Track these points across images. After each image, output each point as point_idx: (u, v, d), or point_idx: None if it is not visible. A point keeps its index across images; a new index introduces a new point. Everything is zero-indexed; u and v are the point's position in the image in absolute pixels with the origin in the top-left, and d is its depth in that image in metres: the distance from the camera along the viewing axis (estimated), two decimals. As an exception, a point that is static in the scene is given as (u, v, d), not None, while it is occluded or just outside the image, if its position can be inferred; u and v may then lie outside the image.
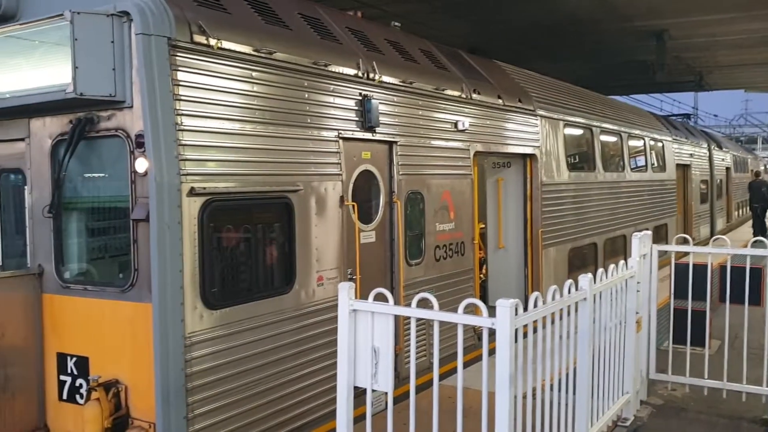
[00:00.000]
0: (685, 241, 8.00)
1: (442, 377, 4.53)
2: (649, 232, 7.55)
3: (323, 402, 6.99)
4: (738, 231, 26.04)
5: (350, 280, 7.47)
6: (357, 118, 7.72)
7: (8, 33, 6.06)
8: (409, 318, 4.58)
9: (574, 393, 5.57)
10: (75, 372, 6.21)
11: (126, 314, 5.87)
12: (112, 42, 5.66)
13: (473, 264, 9.97)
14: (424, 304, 4.45)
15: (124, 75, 5.70)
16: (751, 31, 19.63)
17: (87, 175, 6.37)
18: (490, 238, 12.10)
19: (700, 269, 7.48)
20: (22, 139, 6.52)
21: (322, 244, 7.18)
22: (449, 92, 9.41)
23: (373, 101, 7.84)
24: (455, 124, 9.51)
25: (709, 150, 24.87)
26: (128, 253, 5.86)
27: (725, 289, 7.38)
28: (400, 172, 8.39)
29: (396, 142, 8.34)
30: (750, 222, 25.51)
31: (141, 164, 5.65)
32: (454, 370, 4.73)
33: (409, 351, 7.82)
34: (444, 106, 9.34)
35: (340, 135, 7.46)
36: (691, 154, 21.90)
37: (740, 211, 32.14)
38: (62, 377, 6.30)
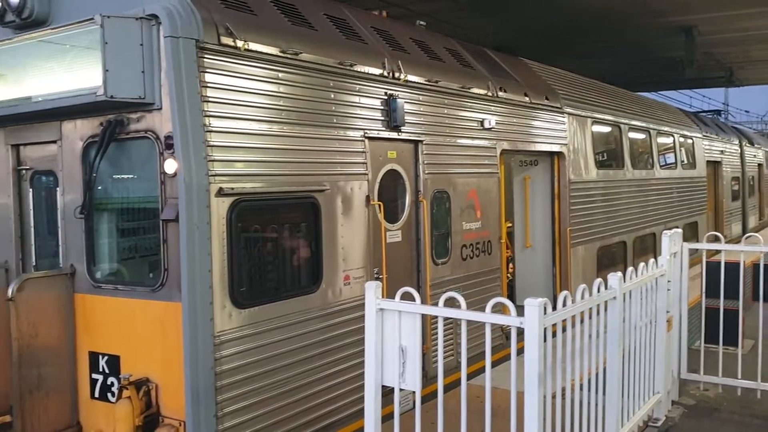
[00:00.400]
0: (716, 239, 7.87)
1: (469, 377, 4.51)
2: (680, 230, 7.45)
3: (350, 401, 7.00)
4: (771, 228, 25.56)
5: (377, 279, 7.47)
6: (382, 118, 7.73)
7: (40, 38, 6.16)
8: (435, 317, 4.56)
9: (603, 393, 5.52)
10: (106, 370, 6.30)
11: (156, 313, 5.95)
12: (141, 45, 5.73)
13: (500, 263, 9.91)
14: (451, 303, 4.44)
15: (153, 77, 5.77)
16: (784, 25, 19.25)
17: (117, 176, 6.46)
18: (517, 237, 12.01)
19: (732, 267, 7.37)
20: (54, 142, 6.64)
21: (349, 244, 7.20)
22: (475, 90, 9.37)
23: (398, 100, 7.84)
24: (481, 123, 9.47)
25: (741, 146, 24.44)
26: (158, 253, 5.93)
27: (758, 288, 7.26)
28: (426, 171, 8.38)
29: (422, 141, 8.33)
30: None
31: (170, 165, 5.71)
32: (481, 370, 4.71)
33: (436, 350, 7.81)
34: (470, 104, 9.30)
35: (366, 135, 7.47)
36: (721, 151, 21.54)
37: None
38: (94, 376, 6.40)
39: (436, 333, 4.55)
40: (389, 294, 6.44)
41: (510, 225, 11.91)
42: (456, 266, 8.94)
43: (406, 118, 7.97)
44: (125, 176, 6.49)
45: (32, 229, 7.06)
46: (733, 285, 7.31)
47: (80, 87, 5.84)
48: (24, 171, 7.07)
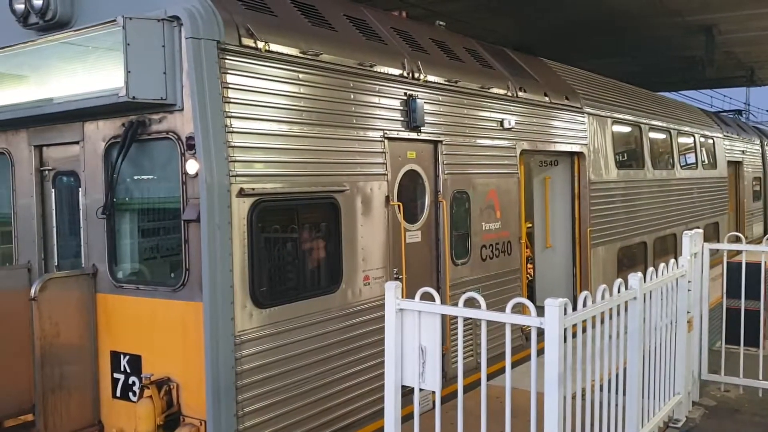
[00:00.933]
0: (737, 240, 7.80)
1: (489, 377, 4.51)
2: (701, 231, 7.39)
3: (371, 401, 7.01)
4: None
5: (396, 279, 7.48)
6: (402, 118, 7.73)
7: (63, 39, 6.23)
8: (455, 317, 4.56)
9: (624, 393, 5.49)
10: (128, 370, 6.36)
11: (177, 313, 5.99)
12: (163, 46, 5.77)
13: (520, 263, 9.88)
14: (470, 303, 4.44)
15: (174, 78, 5.82)
16: (806, 24, 18.99)
17: (139, 176, 6.52)
18: (537, 238, 11.97)
19: (754, 268, 7.31)
20: (77, 142, 6.70)
21: (368, 244, 7.21)
22: (495, 90, 9.35)
23: (418, 101, 7.84)
24: (501, 123, 9.44)
25: (762, 146, 24.16)
26: (179, 253, 5.98)
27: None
28: (446, 172, 8.37)
29: (441, 142, 8.32)
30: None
31: (192, 166, 5.76)
32: (501, 371, 4.71)
33: (456, 350, 7.80)
34: (489, 104, 9.28)
35: (386, 135, 7.48)
36: (743, 151, 21.32)
37: (796, 208, 31.13)
38: (116, 375, 6.46)
39: (456, 333, 4.55)
40: (409, 294, 6.44)
41: (530, 225, 11.86)
42: (476, 267, 8.92)
43: (425, 118, 7.97)
44: (147, 177, 6.54)
45: (54, 230, 7.13)
46: (754, 285, 7.25)
47: (102, 88, 5.89)
48: (47, 172, 7.15)
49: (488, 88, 9.21)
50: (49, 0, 6.44)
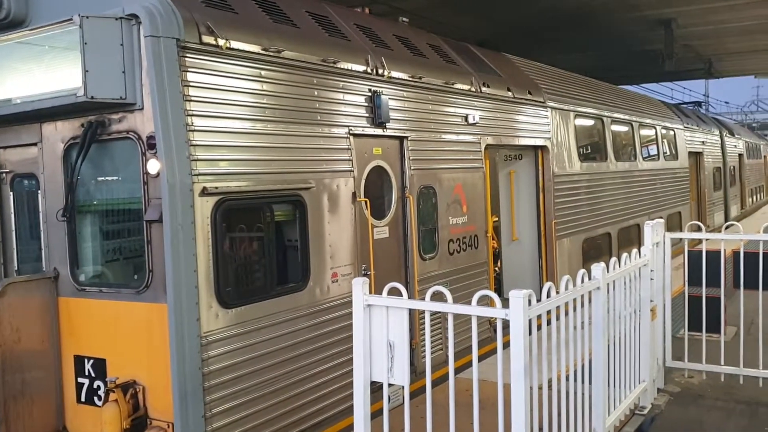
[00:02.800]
0: (698, 229, 7.96)
1: (458, 370, 4.54)
2: (662, 220, 7.52)
3: (340, 398, 7.00)
4: (752, 217, 25.84)
5: (364, 275, 7.46)
6: (367, 115, 7.73)
7: (18, 39, 6.10)
8: (424, 312, 4.57)
9: (590, 383, 5.56)
10: (93, 374, 6.26)
11: (142, 315, 5.91)
12: (122, 45, 5.69)
13: (487, 257, 9.95)
14: (438, 297, 4.45)
15: (134, 77, 5.73)
16: (761, 17, 19.40)
17: (99, 177, 6.41)
18: (503, 231, 12.07)
19: (714, 256, 7.46)
20: (35, 144, 6.57)
21: (336, 241, 7.20)
22: (459, 86, 9.39)
23: (382, 97, 7.84)
24: (465, 118, 9.49)
25: (721, 137, 24.68)
26: (142, 254, 5.89)
27: (739, 275, 7.34)
28: (412, 167, 8.39)
29: (407, 138, 8.34)
30: (763, 208, 25.49)
31: (153, 165, 5.68)
32: (470, 363, 4.73)
33: (424, 345, 7.82)
34: (454, 100, 9.32)
35: (351, 131, 7.46)
36: (703, 142, 21.74)
37: (754, 197, 31.88)
38: (80, 379, 6.36)
39: (425, 328, 4.56)
40: (377, 290, 6.42)
41: (496, 219, 11.96)
42: (443, 261, 8.96)
43: (390, 114, 7.97)
44: (108, 178, 6.44)
45: (14, 233, 6.99)
46: (715, 273, 7.39)
47: (60, 88, 5.79)
48: (4, 174, 7.00)
49: (452, 84, 9.25)
50: (2, -1, 6.30)
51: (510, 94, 10.61)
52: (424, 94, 8.72)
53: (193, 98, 5.81)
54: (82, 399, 6.34)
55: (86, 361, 6.29)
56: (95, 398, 6.23)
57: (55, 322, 6.47)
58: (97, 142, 6.06)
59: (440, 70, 9.17)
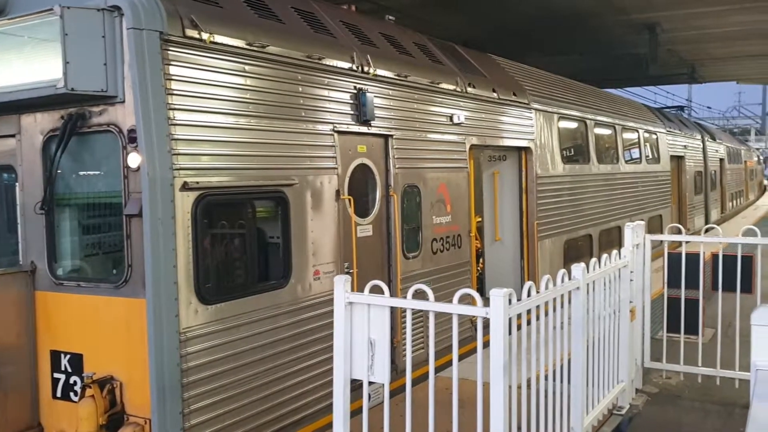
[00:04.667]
0: (678, 231, 8.02)
1: (439, 369, 4.53)
2: (643, 222, 7.57)
3: (321, 395, 6.98)
4: (732, 221, 26.11)
5: (347, 273, 7.45)
6: (352, 112, 7.70)
7: (-3, 29, 6.01)
8: (406, 310, 4.56)
9: (569, 382, 5.58)
10: (69, 369, 6.18)
11: (120, 310, 5.85)
12: (103, 37, 5.62)
13: (470, 257, 9.97)
14: (420, 295, 4.45)
15: (115, 70, 5.67)
16: (743, 23, 19.60)
17: (79, 171, 6.33)
18: (486, 231, 12.10)
19: (693, 258, 7.52)
20: (13, 136, 6.48)
21: (319, 238, 7.17)
22: (444, 86, 9.40)
23: (368, 95, 7.82)
24: (450, 118, 9.50)
25: (703, 141, 24.91)
26: (122, 248, 5.83)
27: (718, 278, 7.41)
28: (396, 166, 8.38)
29: (392, 136, 8.32)
30: (743, 213, 25.84)
31: (133, 159, 5.62)
32: (450, 362, 4.73)
33: (406, 343, 7.81)
34: (439, 99, 9.32)
35: (336, 129, 7.44)
36: (684, 146, 21.94)
37: (734, 201, 32.23)
38: (56, 375, 6.27)
39: (406, 326, 4.54)
40: (360, 288, 6.40)
41: (480, 219, 11.99)
42: (426, 260, 8.96)
43: (375, 112, 7.96)
44: (87, 171, 6.36)
45: (-9, 226, 6.89)
46: (694, 275, 7.45)
47: (40, 79, 5.70)
48: (-19, 166, 6.90)
49: (438, 84, 9.25)
50: (-20, -13, 6.20)
51: (495, 95, 10.64)
52: (409, 92, 8.71)
53: (175, 92, 5.75)
54: (58, 394, 6.26)
55: (63, 356, 6.22)
56: (71, 394, 6.15)
57: (32, 317, 6.39)
58: (77, 135, 5.98)
59: (426, 70, 9.17)
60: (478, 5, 16.98)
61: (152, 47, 5.62)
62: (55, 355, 6.27)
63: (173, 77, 5.75)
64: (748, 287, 7.39)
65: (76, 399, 6.02)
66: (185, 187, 5.74)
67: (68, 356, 6.18)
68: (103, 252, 6.38)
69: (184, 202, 5.75)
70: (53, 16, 5.45)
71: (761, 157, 53.64)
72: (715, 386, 7.42)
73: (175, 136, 5.71)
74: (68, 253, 6.47)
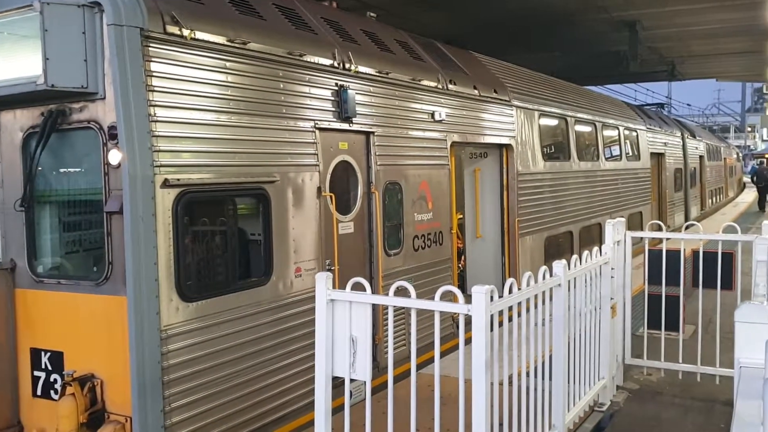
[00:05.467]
0: (658, 228, 8.10)
1: (421, 366, 4.55)
2: (623, 219, 7.64)
3: (302, 393, 6.98)
4: (712, 219, 26.41)
5: (329, 271, 7.44)
6: (333, 109, 7.70)
7: (-25, 24, 5.93)
8: (387, 307, 4.58)
9: (550, 379, 5.63)
10: (49, 367, 6.13)
11: (101, 308, 5.82)
12: (84, 33, 5.57)
13: (451, 253, 10.01)
14: (402, 292, 4.46)
15: (96, 66, 5.62)
16: (723, 21, 19.82)
17: (59, 168, 6.28)
18: (468, 228, 12.15)
19: (674, 255, 7.59)
20: (-8, 132, 6.41)
21: (300, 235, 7.16)
22: (426, 83, 9.42)
23: (349, 91, 7.82)
24: (432, 115, 9.52)
25: (683, 139, 25.15)
26: (102, 246, 5.79)
27: (698, 275, 7.49)
28: (378, 163, 8.39)
29: (373, 133, 8.33)
30: (723, 209, 26.17)
31: (114, 156, 5.59)
32: (433, 359, 4.76)
33: (388, 340, 7.84)
34: (421, 96, 9.34)
35: (317, 125, 7.43)
36: (664, 143, 22.14)
37: (714, 198, 32.59)
38: (36, 373, 6.22)
39: (388, 323, 4.56)
40: (341, 286, 6.42)
41: (461, 216, 12.03)
42: (408, 257, 8.98)
43: (357, 109, 7.96)
44: (68, 168, 6.31)
45: (-31, 223, 6.81)
46: (674, 272, 7.53)
47: (19, 75, 5.65)
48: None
49: (419, 80, 9.27)
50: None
51: (476, 92, 10.67)
52: (390, 89, 8.72)
53: (156, 88, 5.72)
54: (38, 393, 6.22)
55: (43, 354, 6.17)
56: (51, 392, 6.10)
57: (11, 314, 6.33)
58: (57, 132, 5.93)
59: (407, 67, 9.18)
60: (459, 3, 17.01)
61: (133, 44, 5.59)
62: (36, 353, 6.22)
63: (154, 74, 5.72)
64: (728, 284, 7.48)
65: (56, 397, 5.97)
66: (166, 184, 5.72)
67: (48, 354, 6.13)
68: (84, 249, 6.33)
69: (165, 199, 5.73)
70: (33, 12, 5.39)
71: (740, 155, 54.30)
72: (696, 382, 7.51)
73: (156, 133, 5.68)
74: (48, 251, 6.42)
